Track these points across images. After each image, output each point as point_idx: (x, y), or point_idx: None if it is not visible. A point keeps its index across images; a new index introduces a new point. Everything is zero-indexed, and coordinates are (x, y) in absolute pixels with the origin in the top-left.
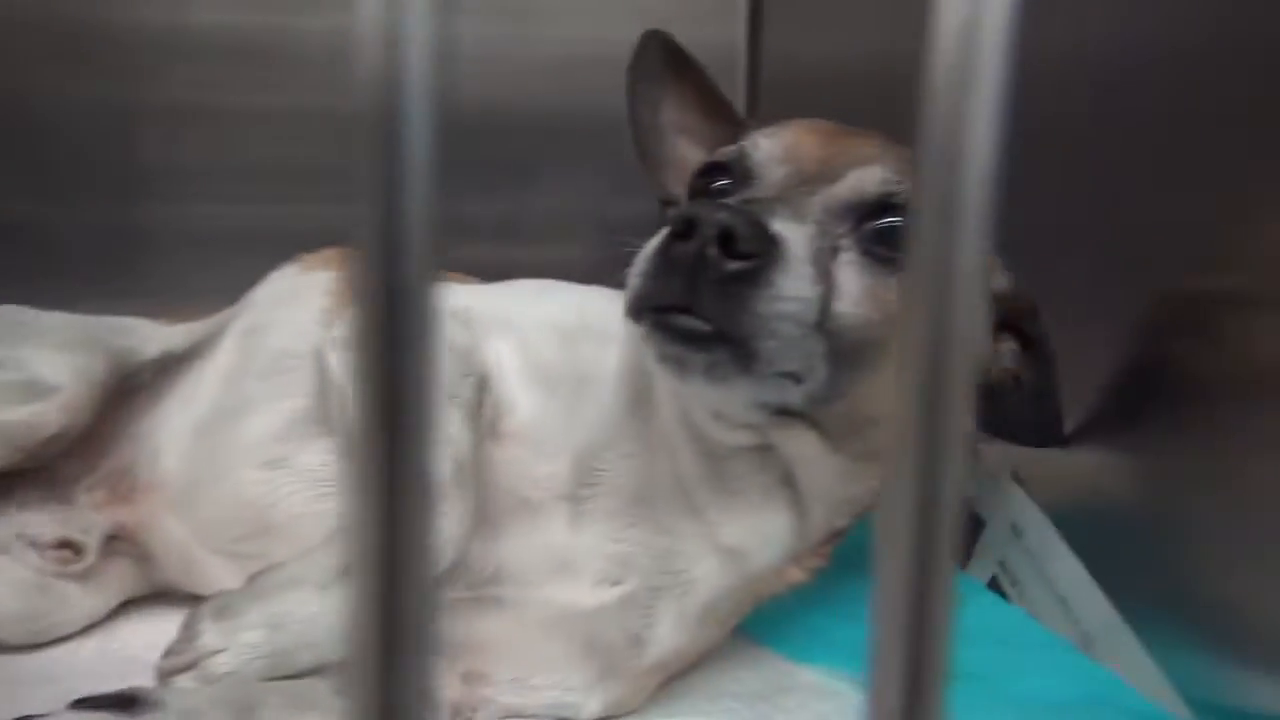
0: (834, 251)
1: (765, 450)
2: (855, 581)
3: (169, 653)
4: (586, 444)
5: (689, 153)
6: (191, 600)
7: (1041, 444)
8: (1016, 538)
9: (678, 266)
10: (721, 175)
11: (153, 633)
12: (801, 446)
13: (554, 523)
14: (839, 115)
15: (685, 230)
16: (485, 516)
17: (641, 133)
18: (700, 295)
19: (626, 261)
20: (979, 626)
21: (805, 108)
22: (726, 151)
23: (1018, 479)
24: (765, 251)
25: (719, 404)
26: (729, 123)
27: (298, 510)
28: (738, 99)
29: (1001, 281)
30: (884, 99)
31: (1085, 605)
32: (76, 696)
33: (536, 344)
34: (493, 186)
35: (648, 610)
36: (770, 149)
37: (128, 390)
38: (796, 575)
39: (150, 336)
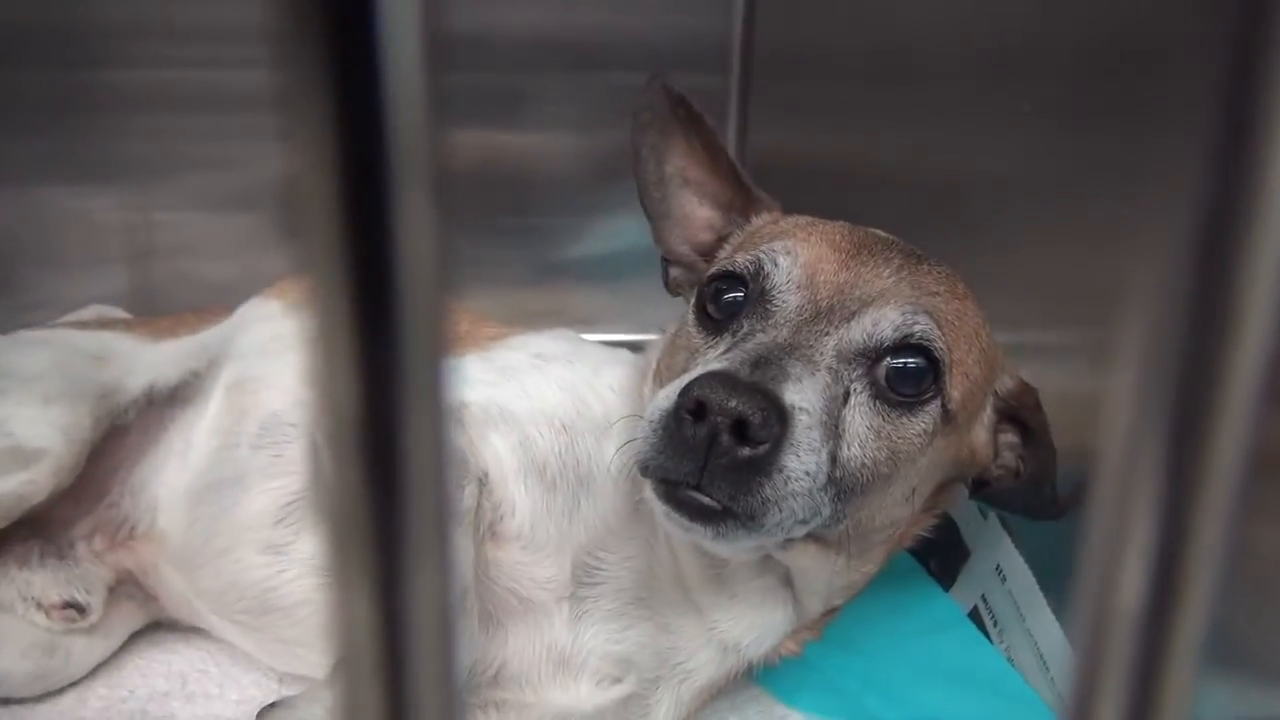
0: (845, 396)
1: (766, 557)
2: (850, 626)
3: None
4: (587, 544)
5: (693, 209)
6: (196, 633)
7: (1037, 519)
8: (1000, 580)
9: (689, 446)
10: (735, 286)
11: (158, 672)
12: (802, 558)
13: (555, 622)
14: (832, 103)
15: (697, 411)
16: (487, 615)
17: (646, 183)
18: (710, 475)
19: None
20: (963, 666)
21: (798, 97)
22: (742, 262)
23: (1005, 525)
24: (778, 433)
25: (723, 550)
26: (733, 182)
27: (300, 597)
28: (731, 88)
29: (1007, 382)
30: (877, 85)
31: (1061, 669)
32: None
33: (534, 439)
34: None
35: (644, 701)
36: (788, 270)
37: (116, 431)
38: (790, 648)
39: (133, 363)
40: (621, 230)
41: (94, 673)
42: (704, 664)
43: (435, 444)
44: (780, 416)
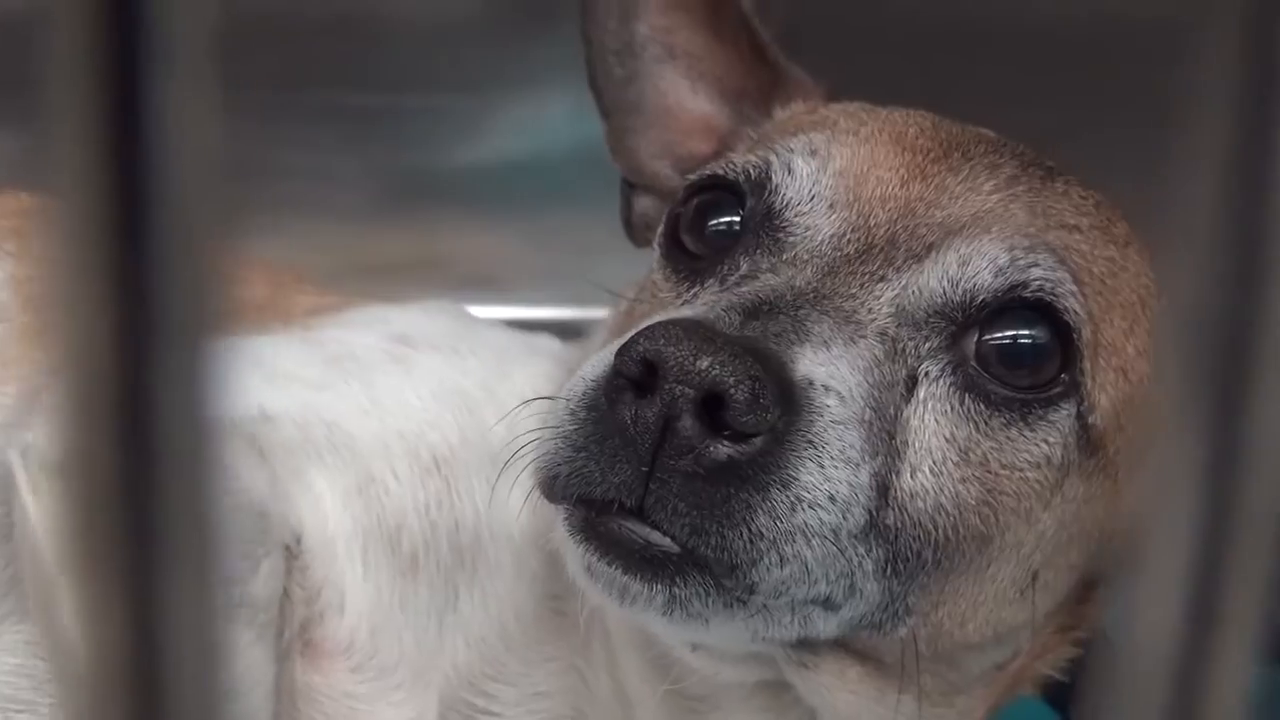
0: (910, 384)
1: (777, 690)
2: None
3: None
4: (468, 668)
5: (682, 98)
6: None
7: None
8: None
9: (626, 438)
10: (729, 205)
11: None
12: (837, 690)
13: None
14: (879, 59)
15: (642, 379)
16: None
17: (602, 51)
18: (661, 490)
19: None
20: None
21: (829, 49)
22: (739, 166)
23: None
24: (781, 426)
25: (693, 638)
26: (753, 56)
27: None
28: None
29: None
30: (945, 35)
31: None
32: None
33: (384, 483)
34: None
35: None
36: (813, 181)
37: None
38: None
39: None
40: (547, 120)
41: None
42: None
43: (194, 436)
44: (785, 395)
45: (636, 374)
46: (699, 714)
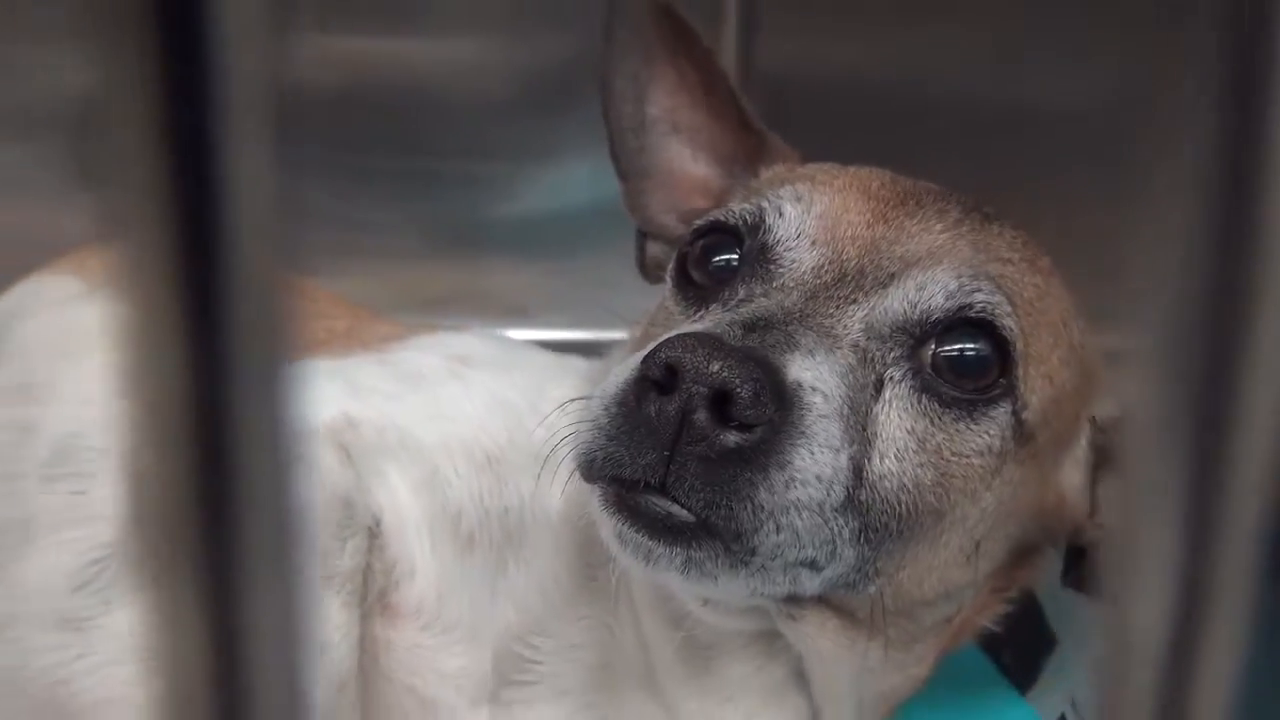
0: (878, 386)
1: (770, 638)
2: None
3: None
4: (517, 627)
5: (684, 164)
6: None
7: None
8: None
9: (650, 428)
10: (727, 244)
11: None
12: (819, 638)
13: None
14: (842, 134)
15: (665, 381)
16: None
17: (621, 130)
18: (680, 470)
19: None
20: None
21: (802, 125)
22: (737, 212)
23: None
24: (777, 419)
25: (703, 594)
26: (737, 126)
27: (104, 694)
28: None
29: (1110, 408)
30: (893, 116)
31: None
32: None
33: (448, 477)
34: None
35: None
36: (799, 222)
37: None
38: None
39: None
40: (569, 181)
41: None
42: None
43: (273, 457)
44: (780, 394)
45: (660, 376)
46: (707, 659)
